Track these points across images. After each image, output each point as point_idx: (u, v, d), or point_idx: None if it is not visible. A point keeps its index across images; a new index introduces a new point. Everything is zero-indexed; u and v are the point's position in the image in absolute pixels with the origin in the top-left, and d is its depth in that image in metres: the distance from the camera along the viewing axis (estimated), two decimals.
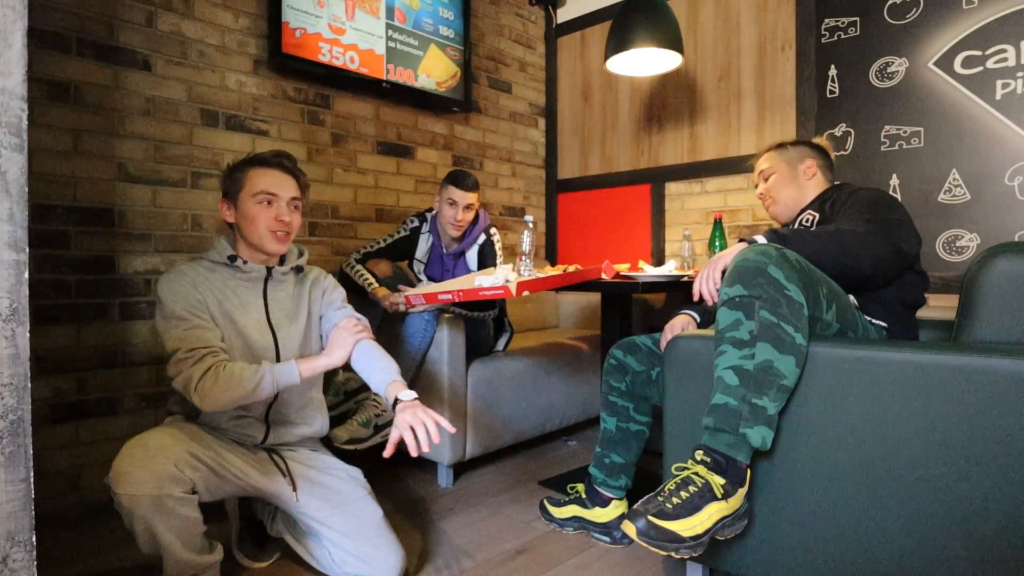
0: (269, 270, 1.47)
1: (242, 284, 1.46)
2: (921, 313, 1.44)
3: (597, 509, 1.63)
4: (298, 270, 1.56)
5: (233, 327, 1.42)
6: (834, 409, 1.11)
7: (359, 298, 2.13)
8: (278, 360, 1.46)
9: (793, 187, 1.60)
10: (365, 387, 2.02)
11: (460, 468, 2.20)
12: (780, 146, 1.66)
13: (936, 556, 1.02)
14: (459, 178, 2.15)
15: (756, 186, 1.69)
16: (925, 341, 1.10)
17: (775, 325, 1.06)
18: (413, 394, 1.35)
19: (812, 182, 1.59)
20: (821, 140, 1.66)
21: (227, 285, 1.44)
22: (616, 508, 1.62)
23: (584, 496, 1.67)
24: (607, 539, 1.61)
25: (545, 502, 1.73)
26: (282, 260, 1.53)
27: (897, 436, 1.04)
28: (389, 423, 1.94)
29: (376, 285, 2.05)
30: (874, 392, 1.07)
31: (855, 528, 1.09)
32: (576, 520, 1.65)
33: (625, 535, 1.60)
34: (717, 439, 1.05)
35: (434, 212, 2.27)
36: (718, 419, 1.06)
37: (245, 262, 1.45)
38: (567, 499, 1.71)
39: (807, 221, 1.52)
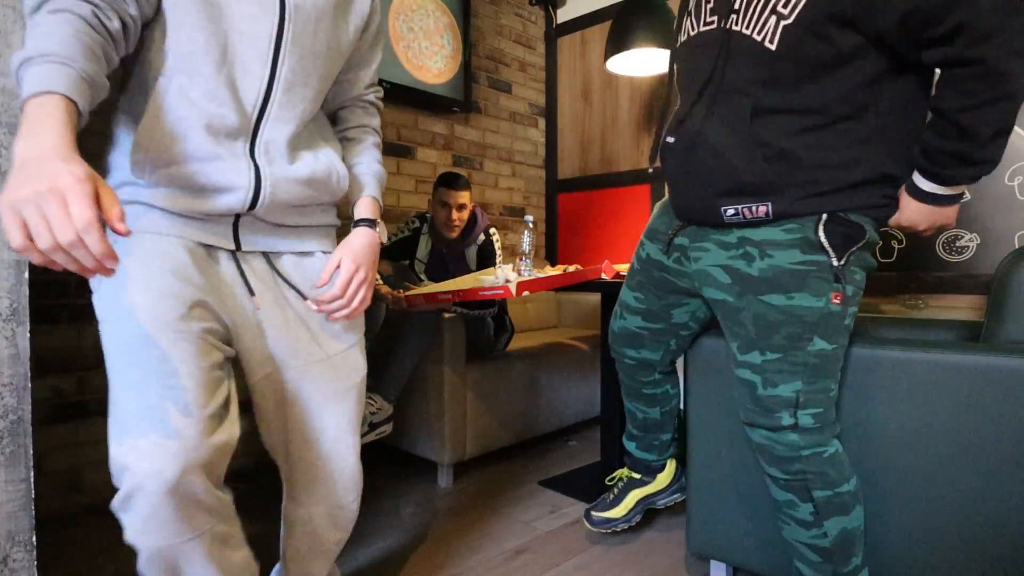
0: None
1: None
2: (946, 314, 1.33)
3: (659, 477, 1.59)
4: None
5: None
6: (860, 410, 1.10)
7: None
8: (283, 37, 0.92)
9: None
10: (368, 389, 2.02)
11: (460, 468, 2.20)
12: None
13: (961, 557, 1.02)
14: (449, 179, 2.18)
15: None
16: (954, 342, 1.09)
17: (833, 496, 1.06)
18: (370, 231, 1.12)
19: None
20: None
21: None
22: (671, 467, 1.60)
23: (639, 476, 1.60)
24: (673, 498, 1.61)
25: (593, 513, 1.59)
26: None
27: (925, 438, 1.04)
28: (384, 420, 1.94)
29: (380, 280, 2.06)
30: (901, 393, 1.06)
31: (876, 528, 1.09)
32: (642, 501, 1.60)
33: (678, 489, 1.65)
34: None
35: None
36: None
37: None
38: (617, 493, 1.62)
39: None
